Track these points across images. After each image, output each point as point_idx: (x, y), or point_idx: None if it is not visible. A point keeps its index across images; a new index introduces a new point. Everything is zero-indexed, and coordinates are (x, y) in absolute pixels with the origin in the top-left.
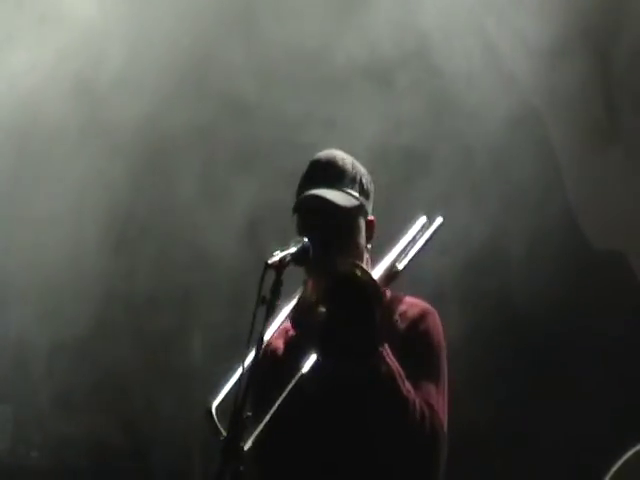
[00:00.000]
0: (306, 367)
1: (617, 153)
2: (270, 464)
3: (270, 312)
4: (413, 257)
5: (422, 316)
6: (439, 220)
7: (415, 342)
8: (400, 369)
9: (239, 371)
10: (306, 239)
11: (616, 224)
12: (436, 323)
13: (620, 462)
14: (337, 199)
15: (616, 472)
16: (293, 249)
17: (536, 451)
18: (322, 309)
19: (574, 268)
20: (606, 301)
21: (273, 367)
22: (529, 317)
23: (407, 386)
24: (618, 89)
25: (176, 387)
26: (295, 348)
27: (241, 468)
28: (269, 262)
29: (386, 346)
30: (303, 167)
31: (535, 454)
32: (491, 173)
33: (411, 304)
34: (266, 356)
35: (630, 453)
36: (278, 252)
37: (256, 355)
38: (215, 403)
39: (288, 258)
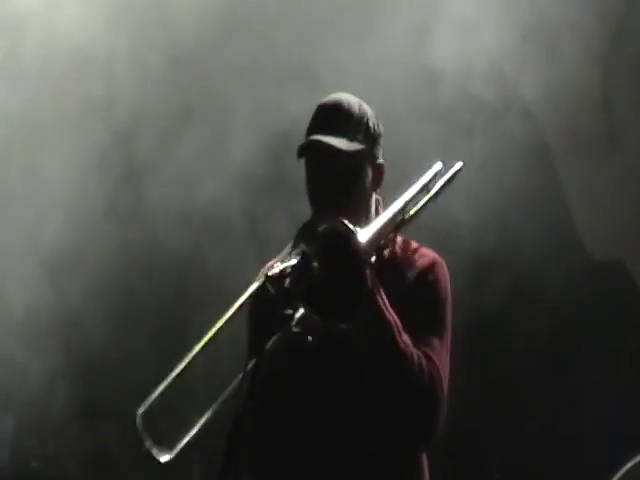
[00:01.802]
0: (294, 321)
1: (617, 164)
2: (265, 414)
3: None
4: (424, 204)
5: (430, 267)
6: (458, 165)
7: (421, 294)
8: (398, 321)
9: (168, 379)
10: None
11: (616, 234)
12: (444, 275)
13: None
14: (338, 143)
15: None
16: (294, 261)
17: (536, 455)
18: (315, 264)
19: (575, 279)
20: (607, 310)
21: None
22: (532, 325)
23: (404, 339)
24: (618, 100)
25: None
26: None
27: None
28: (269, 274)
29: (384, 297)
30: None
31: (536, 458)
32: (491, 183)
33: (421, 254)
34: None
35: (629, 465)
36: (278, 264)
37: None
38: (141, 410)
39: (289, 270)
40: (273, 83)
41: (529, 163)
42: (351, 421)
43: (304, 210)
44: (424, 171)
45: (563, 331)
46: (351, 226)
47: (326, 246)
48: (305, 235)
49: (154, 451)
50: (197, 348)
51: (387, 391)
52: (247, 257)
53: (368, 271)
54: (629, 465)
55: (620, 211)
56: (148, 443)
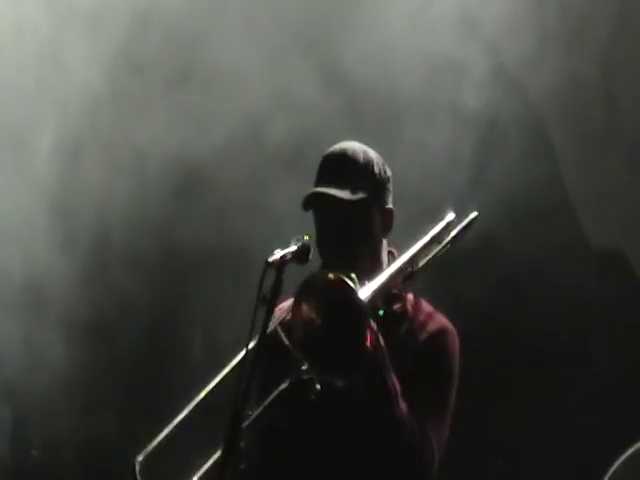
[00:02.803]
0: (295, 376)
1: (617, 152)
2: (262, 466)
3: (270, 311)
4: (434, 257)
5: (440, 333)
6: (473, 215)
7: (428, 362)
8: (397, 387)
9: (169, 428)
10: (307, 237)
11: (615, 222)
12: (454, 344)
13: (619, 462)
14: (340, 194)
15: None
16: (294, 247)
17: (533, 449)
18: (318, 320)
19: (574, 266)
20: (606, 297)
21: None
22: (531, 311)
23: (401, 407)
24: (619, 88)
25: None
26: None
27: (241, 466)
28: (270, 260)
29: (386, 359)
30: None
31: (532, 453)
32: (491, 171)
33: (433, 318)
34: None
35: (629, 452)
36: (279, 250)
37: (258, 352)
38: (140, 457)
39: (289, 256)
40: (279, 49)
41: (530, 150)
42: (346, 472)
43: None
44: (436, 221)
45: (562, 318)
46: (351, 283)
47: (326, 302)
48: (307, 289)
49: None
50: (197, 400)
51: (378, 452)
52: (237, 210)
53: (369, 330)
54: (630, 452)
55: (620, 199)
56: None
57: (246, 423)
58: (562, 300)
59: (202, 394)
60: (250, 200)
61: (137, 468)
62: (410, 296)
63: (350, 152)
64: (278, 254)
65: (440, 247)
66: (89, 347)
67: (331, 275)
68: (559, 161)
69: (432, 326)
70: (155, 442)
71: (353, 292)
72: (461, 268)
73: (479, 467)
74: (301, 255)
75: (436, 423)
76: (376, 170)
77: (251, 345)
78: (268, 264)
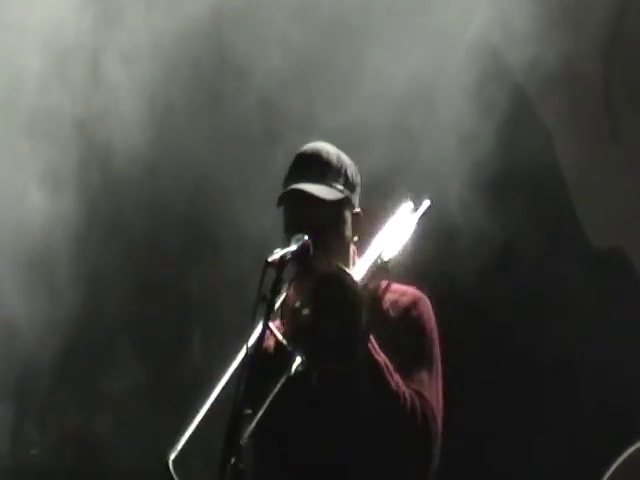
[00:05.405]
0: (293, 369)
1: (617, 152)
2: (262, 460)
3: (270, 311)
4: (399, 246)
5: (414, 303)
6: (426, 203)
7: (407, 331)
8: (388, 362)
9: (195, 422)
10: (307, 237)
11: (616, 222)
12: (428, 310)
13: (619, 461)
14: (319, 192)
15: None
16: (294, 247)
17: (531, 451)
18: (306, 311)
19: (575, 266)
20: (607, 298)
21: (265, 366)
22: (529, 314)
23: (396, 379)
24: (618, 89)
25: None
26: (283, 349)
27: (240, 465)
28: (269, 260)
29: (372, 340)
30: None
31: (531, 454)
32: (491, 171)
33: (402, 292)
34: (260, 354)
35: (630, 450)
36: (279, 250)
37: (251, 355)
38: (173, 455)
39: (288, 256)
40: None
41: (529, 150)
42: (349, 459)
43: None
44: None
45: (563, 319)
46: (346, 268)
47: (323, 290)
48: (299, 282)
49: None
50: (217, 390)
51: (381, 432)
52: None
53: (364, 313)
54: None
55: (620, 199)
56: None
57: (250, 424)
58: (562, 299)
59: (216, 391)
60: None
61: (171, 467)
62: (381, 282)
63: (324, 153)
64: (278, 254)
65: (402, 237)
66: (92, 344)
67: (326, 265)
68: (559, 159)
69: (404, 300)
70: (183, 439)
71: (349, 274)
72: (459, 268)
73: None
74: (301, 255)
75: (428, 385)
76: (349, 173)
77: (251, 343)
78: (268, 264)
